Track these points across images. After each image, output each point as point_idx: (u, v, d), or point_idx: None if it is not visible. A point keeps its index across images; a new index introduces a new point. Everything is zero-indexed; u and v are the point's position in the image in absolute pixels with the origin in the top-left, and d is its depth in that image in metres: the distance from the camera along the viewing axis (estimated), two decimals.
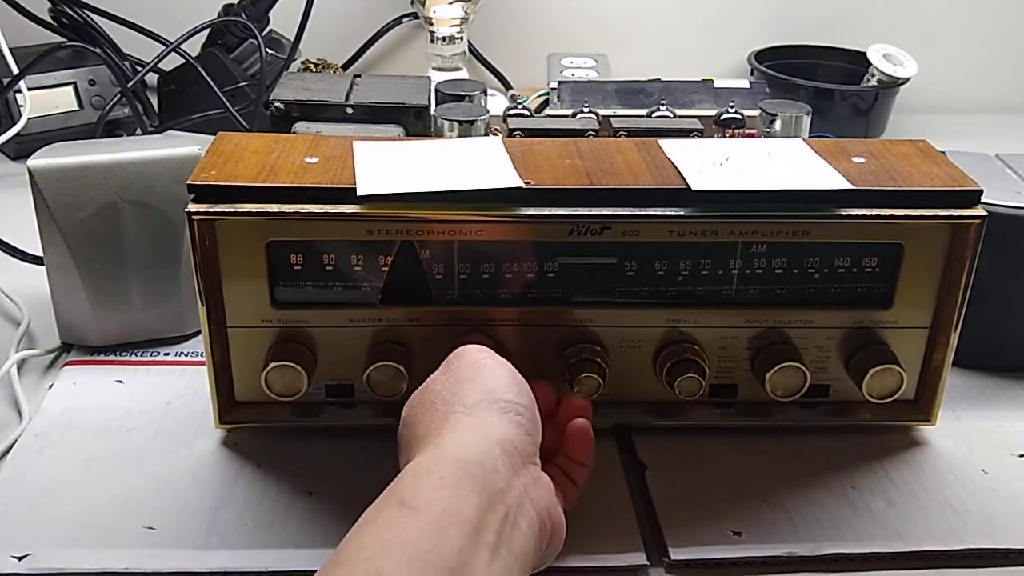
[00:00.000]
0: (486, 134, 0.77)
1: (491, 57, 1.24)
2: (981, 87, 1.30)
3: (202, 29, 1.11)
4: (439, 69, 1.13)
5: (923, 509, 0.61)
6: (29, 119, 1.01)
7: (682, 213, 0.59)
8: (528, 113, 0.83)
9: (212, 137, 0.64)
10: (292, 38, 1.13)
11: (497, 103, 1.05)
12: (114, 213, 0.69)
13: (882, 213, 0.60)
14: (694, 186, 0.58)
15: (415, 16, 1.22)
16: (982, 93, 1.30)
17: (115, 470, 0.62)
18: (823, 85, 1.13)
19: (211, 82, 1.06)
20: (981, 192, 0.60)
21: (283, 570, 0.55)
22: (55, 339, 0.74)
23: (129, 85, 1.06)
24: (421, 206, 0.58)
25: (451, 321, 0.63)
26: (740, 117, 0.83)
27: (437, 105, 0.82)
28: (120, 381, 0.71)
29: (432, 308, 0.63)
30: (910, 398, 0.67)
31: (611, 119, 0.81)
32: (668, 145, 0.64)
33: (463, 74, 1.13)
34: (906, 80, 1.13)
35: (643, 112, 0.86)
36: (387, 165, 0.60)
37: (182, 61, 1.10)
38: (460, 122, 0.76)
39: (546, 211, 0.59)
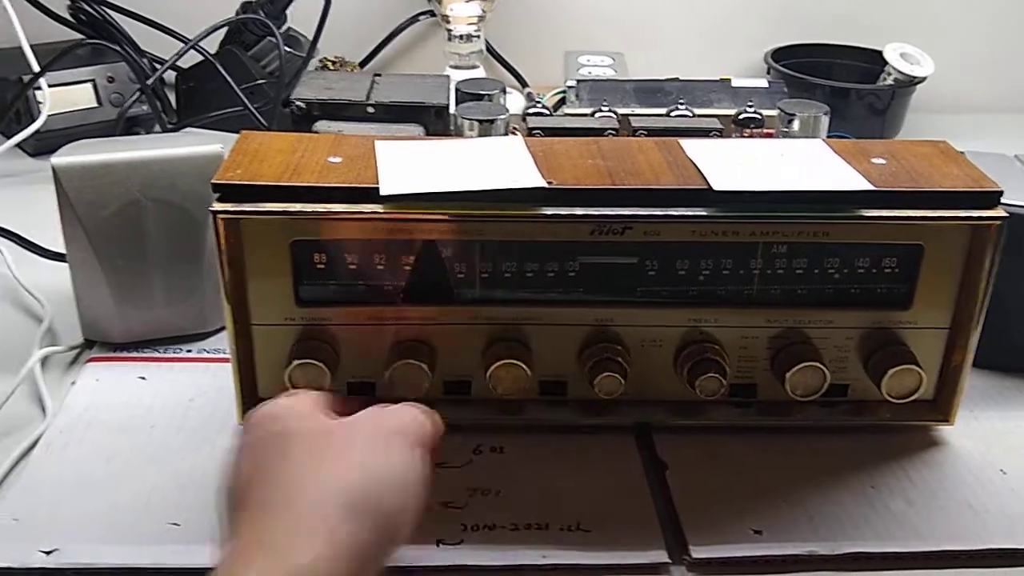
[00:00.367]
0: (506, 133, 0.77)
1: (507, 55, 1.24)
2: (999, 87, 1.29)
3: (220, 27, 1.11)
4: (456, 67, 1.13)
5: (943, 509, 0.61)
6: (48, 116, 1.01)
7: (703, 213, 0.59)
8: (547, 112, 0.83)
9: (231, 135, 0.64)
10: (310, 36, 1.14)
11: (514, 101, 1.05)
12: (137, 211, 0.70)
13: (902, 214, 0.60)
14: (716, 186, 0.59)
15: (432, 14, 1.23)
16: (1000, 93, 1.29)
17: (138, 467, 0.63)
18: (839, 84, 1.13)
19: (230, 79, 1.06)
20: (1001, 193, 0.61)
21: None
22: (78, 336, 0.75)
23: (148, 82, 1.06)
24: (444, 206, 0.59)
25: (473, 320, 0.63)
26: (759, 117, 0.83)
27: (457, 104, 0.82)
28: (143, 378, 0.71)
29: (454, 307, 0.63)
30: (929, 398, 0.67)
31: (630, 118, 0.81)
32: (689, 145, 0.64)
33: (480, 72, 1.13)
34: (923, 79, 1.13)
35: (662, 111, 0.86)
36: (410, 165, 0.61)
37: (200, 58, 1.11)
38: (480, 121, 0.76)
39: (568, 211, 0.59)
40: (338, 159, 0.61)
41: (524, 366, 0.62)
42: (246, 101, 1.05)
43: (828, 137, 0.78)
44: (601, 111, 0.83)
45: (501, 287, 0.63)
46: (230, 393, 0.64)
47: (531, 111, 0.82)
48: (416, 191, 0.58)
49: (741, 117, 0.83)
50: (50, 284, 0.79)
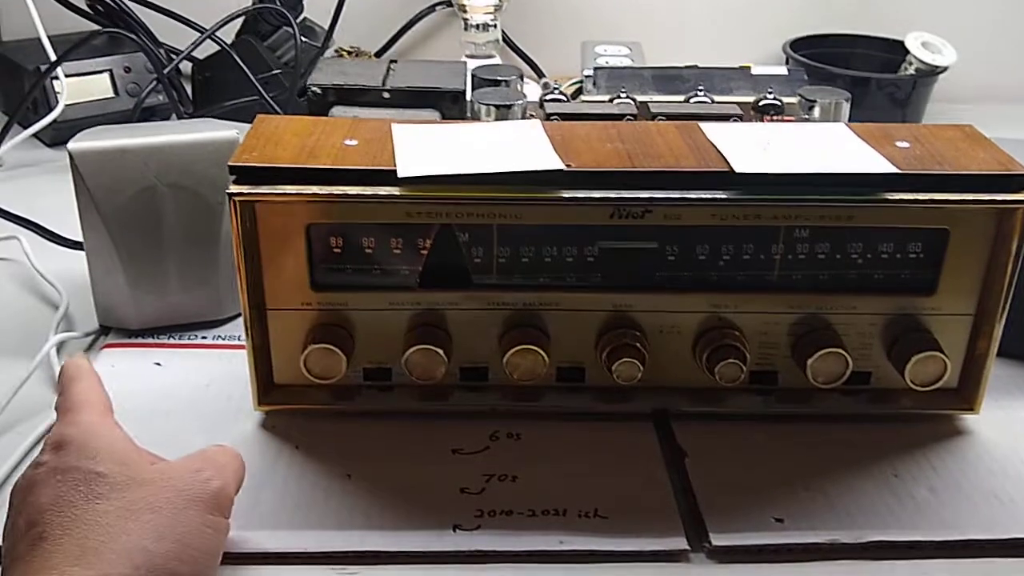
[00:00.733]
0: (523, 119, 0.76)
1: (524, 45, 1.24)
2: (1022, 77, 1.28)
3: (236, 16, 1.11)
4: (472, 57, 1.12)
5: (968, 498, 0.60)
6: (66, 106, 1.01)
7: (725, 196, 0.58)
8: (565, 98, 0.82)
9: (247, 124, 0.64)
10: (325, 26, 1.13)
11: (530, 91, 1.04)
12: (153, 196, 0.70)
13: (927, 197, 0.59)
14: (737, 169, 0.58)
15: (448, 3, 1.22)
16: (1023, 83, 1.28)
17: (154, 452, 0.62)
18: (859, 74, 1.12)
19: (246, 69, 1.06)
20: None
21: (324, 551, 0.55)
22: (93, 322, 0.75)
23: (165, 72, 1.06)
24: (461, 188, 0.58)
25: (490, 305, 0.63)
26: (779, 103, 0.82)
27: (473, 90, 0.82)
28: (159, 364, 0.71)
29: (471, 292, 0.62)
30: (953, 386, 0.66)
31: (649, 104, 0.80)
32: (710, 128, 0.63)
33: (496, 62, 1.13)
34: (944, 69, 1.12)
35: (680, 98, 0.85)
36: (427, 148, 0.60)
37: (216, 48, 1.10)
38: (497, 107, 0.76)
39: (587, 193, 0.58)
40: (354, 142, 0.61)
41: (541, 352, 0.61)
42: (262, 91, 1.05)
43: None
44: (619, 98, 0.82)
45: (518, 272, 0.62)
46: (246, 379, 0.63)
47: (548, 97, 0.81)
48: (433, 173, 0.57)
49: (761, 104, 0.82)
50: (67, 272, 0.79)
